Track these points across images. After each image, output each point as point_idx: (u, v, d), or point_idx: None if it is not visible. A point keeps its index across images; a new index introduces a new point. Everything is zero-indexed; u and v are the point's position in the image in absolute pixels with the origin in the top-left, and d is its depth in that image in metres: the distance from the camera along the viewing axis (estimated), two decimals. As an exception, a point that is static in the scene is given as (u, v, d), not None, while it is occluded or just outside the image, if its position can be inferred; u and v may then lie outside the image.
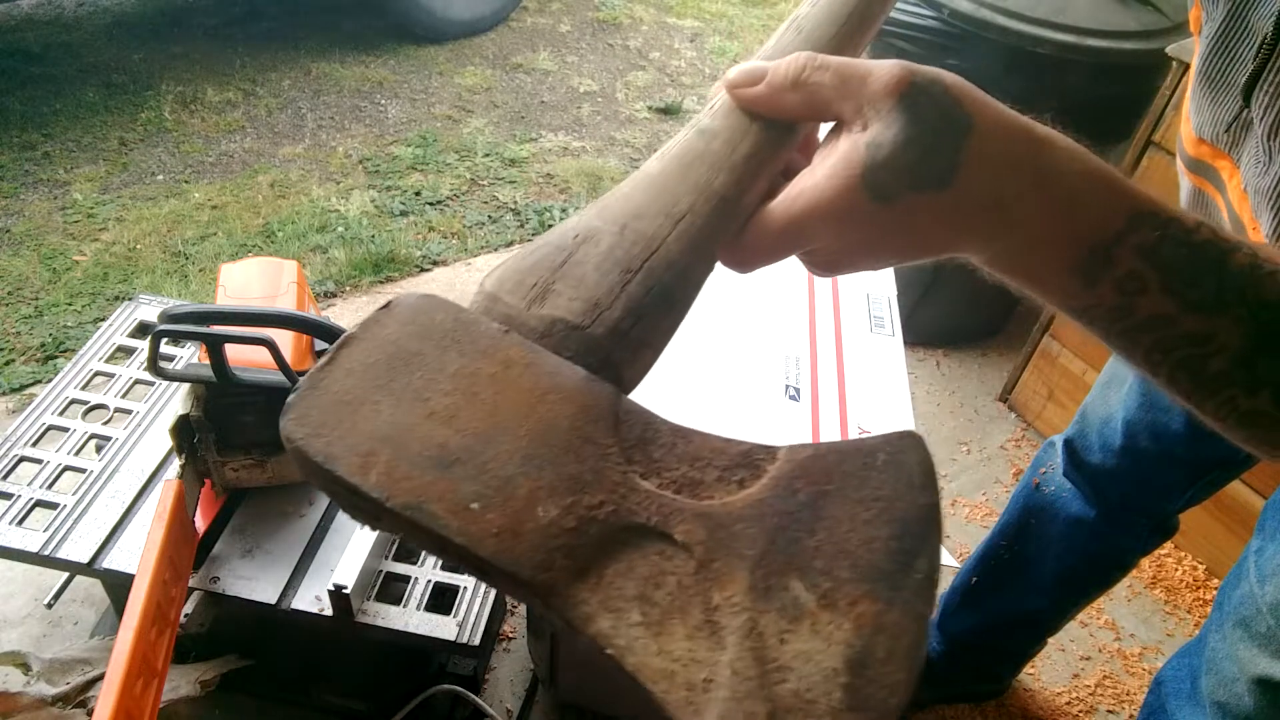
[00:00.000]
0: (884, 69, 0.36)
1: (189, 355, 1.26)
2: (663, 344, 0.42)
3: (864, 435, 0.91)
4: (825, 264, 0.41)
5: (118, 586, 1.14)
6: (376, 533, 1.01)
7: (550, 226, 2.41)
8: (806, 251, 0.40)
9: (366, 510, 0.34)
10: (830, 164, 0.37)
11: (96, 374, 1.27)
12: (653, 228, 0.41)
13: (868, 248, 0.38)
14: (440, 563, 1.06)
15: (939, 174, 0.35)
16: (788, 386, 1.02)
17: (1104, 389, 1.02)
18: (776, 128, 0.42)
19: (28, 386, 1.79)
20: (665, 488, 0.36)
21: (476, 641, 0.98)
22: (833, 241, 0.38)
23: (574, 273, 0.41)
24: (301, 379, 0.36)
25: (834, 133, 0.39)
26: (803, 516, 0.34)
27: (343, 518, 1.10)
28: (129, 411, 1.22)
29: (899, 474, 0.35)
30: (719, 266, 0.43)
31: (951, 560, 0.86)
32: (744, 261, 0.41)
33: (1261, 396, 0.36)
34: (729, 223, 0.41)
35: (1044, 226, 0.36)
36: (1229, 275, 0.35)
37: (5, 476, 1.12)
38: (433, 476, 0.34)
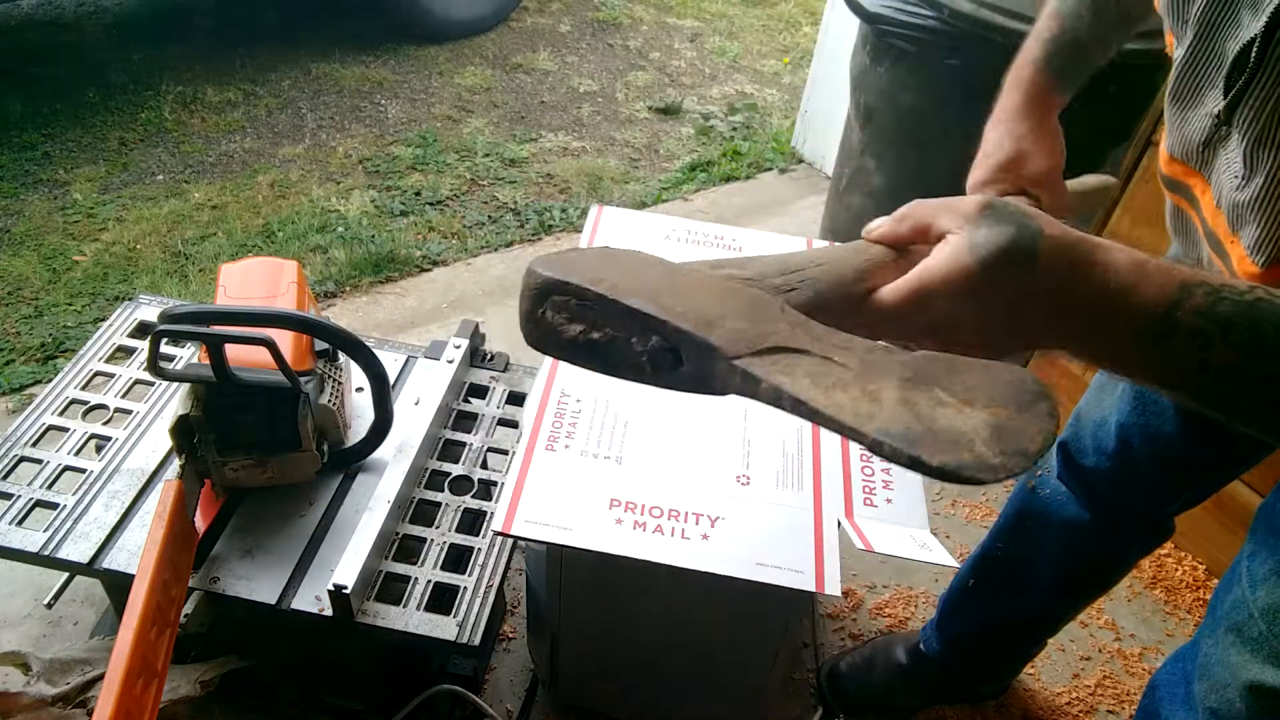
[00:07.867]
0: (972, 197, 0.51)
1: (189, 355, 1.26)
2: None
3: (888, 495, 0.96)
4: (947, 338, 0.50)
5: (118, 586, 1.14)
6: (377, 533, 1.02)
7: (550, 227, 2.43)
8: (932, 330, 0.51)
9: (584, 315, 0.47)
10: (943, 249, 0.49)
11: (96, 374, 1.28)
12: (796, 262, 0.56)
13: (980, 317, 0.48)
14: (440, 563, 1.06)
15: (1025, 254, 0.46)
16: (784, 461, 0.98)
17: (1097, 392, 1.02)
18: (889, 253, 0.57)
19: (28, 386, 1.79)
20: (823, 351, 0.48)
21: (476, 641, 0.98)
22: (947, 306, 0.48)
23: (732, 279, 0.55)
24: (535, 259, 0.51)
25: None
26: (938, 370, 0.45)
27: (343, 517, 1.10)
28: (129, 411, 1.22)
29: (1013, 375, 0.45)
30: None
31: (952, 561, 0.86)
32: (876, 320, 0.52)
33: None
34: (841, 290, 0.54)
35: (1109, 304, 0.46)
36: None
37: (5, 476, 1.12)
38: (648, 293, 0.47)
